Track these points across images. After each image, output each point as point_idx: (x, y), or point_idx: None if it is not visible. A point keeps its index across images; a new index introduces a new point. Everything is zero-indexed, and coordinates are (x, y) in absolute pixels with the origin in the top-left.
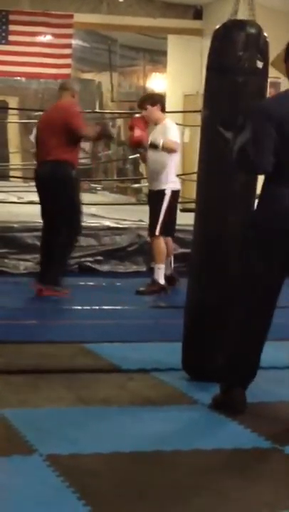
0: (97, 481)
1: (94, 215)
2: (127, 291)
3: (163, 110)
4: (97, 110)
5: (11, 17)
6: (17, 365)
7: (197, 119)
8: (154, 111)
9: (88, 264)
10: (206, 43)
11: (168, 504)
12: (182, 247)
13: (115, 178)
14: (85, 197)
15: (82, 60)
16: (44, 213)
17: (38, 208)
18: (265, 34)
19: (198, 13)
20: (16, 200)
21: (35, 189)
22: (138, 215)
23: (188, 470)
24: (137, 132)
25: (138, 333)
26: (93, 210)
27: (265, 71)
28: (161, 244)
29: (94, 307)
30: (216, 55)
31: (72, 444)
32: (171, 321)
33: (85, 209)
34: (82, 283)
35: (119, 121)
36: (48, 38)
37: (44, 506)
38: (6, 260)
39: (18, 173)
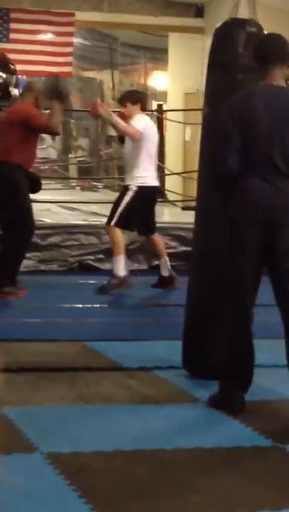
0: (97, 479)
1: (95, 214)
2: (128, 289)
3: (143, 109)
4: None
5: (12, 15)
6: (18, 363)
7: (198, 117)
8: (134, 109)
9: (89, 262)
10: (207, 41)
11: (168, 502)
12: (183, 245)
13: (116, 176)
14: (86, 195)
15: (84, 58)
16: None
17: (37, 206)
18: (265, 32)
19: (199, 11)
20: None
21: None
22: None
23: (188, 468)
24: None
25: (139, 331)
26: (94, 208)
27: None
28: (118, 234)
29: (95, 305)
30: (217, 53)
31: (73, 442)
32: (171, 319)
33: (86, 207)
34: (83, 281)
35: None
36: (49, 36)
37: (45, 504)
38: None
39: None
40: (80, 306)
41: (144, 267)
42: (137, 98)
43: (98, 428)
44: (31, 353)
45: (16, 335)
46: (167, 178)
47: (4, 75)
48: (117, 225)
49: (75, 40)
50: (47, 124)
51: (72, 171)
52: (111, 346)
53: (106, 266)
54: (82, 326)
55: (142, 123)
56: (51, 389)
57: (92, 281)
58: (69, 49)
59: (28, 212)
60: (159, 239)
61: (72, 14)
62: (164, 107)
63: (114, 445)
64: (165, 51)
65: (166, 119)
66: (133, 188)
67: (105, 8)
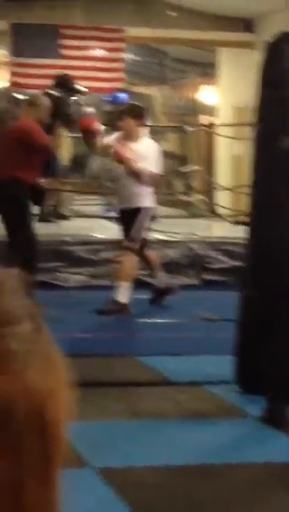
0: (149, 494)
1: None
2: (178, 304)
3: (142, 124)
4: (148, 123)
5: (63, 31)
6: (70, 378)
7: (248, 131)
8: (134, 125)
9: (140, 277)
10: (257, 56)
11: None
12: (234, 260)
13: (166, 191)
14: None
15: (134, 74)
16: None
17: (90, 222)
18: None
19: (248, 26)
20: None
21: (88, 203)
22: (189, 229)
23: (238, 483)
24: (120, 150)
25: (190, 346)
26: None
27: None
28: (133, 262)
29: (146, 320)
30: (268, 68)
31: (125, 457)
32: (222, 334)
33: None
34: (135, 296)
35: (170, 135)
36: (99, 52)
37: None
38: (57, 273)
39: (69, 187)
40: (131, 321)
41: (195, 281)
42: (137, 113)
43: (149, 443)
44: (83, 368)
45: (68, 350)
46: (217, 193)
47: (59, 94)
48: (135, 250)
49: (126, 55)
50: (47, 144)
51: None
52: (162, 361)
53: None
54: (134, 341)
55: (154, 153)
56: (102, 404)
57: (144, 297)
58: (120, 65)
59: (32, 236)
60: (155, 256)
61: (123, 30)
62: (214, 122)
63: (165, 460)
64: (215, 66)
65: (216, 134)
66: (147, 209)
67: (155, 24)
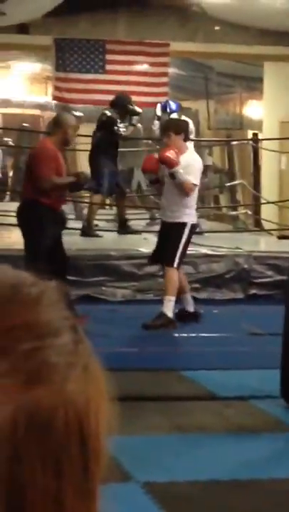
0: (192, 508)
1: (191, 243)
2: (224, 318)
3: (186, 139)
4: (194, 138)
5: (108, 46)
6: (114, 392)
7: None
8: (177, 140)
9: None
10: None
11: None
12: (279, 274)
13: (212, 205)
14: None
15: (179, 88)
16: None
17: (135, 236)
18: None
19: None
20: (111, 228)
21: (134, 217)
22: (235, 243)
23: (285, 498)
24: (171, 154)
25: (235, 361)
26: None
27: None
28: (176, 276)
29: (191, 334)
30: None
31: (169, 472)
32: (268, 348)
33: None
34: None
35: (216, 149)
36: (144, 67)
37: None
38: (103, 288)
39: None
40: (176, 335)
41: (241, 295)
42: (180, 128)
43: (194, 457)
44: (127, 383)
45: (112, 364)
46: (263, 207)
47: (110, 113)
48: (178, 265)
49: (171, 70)
50: (44, 179)
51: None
52: (207, 375)
53: (202, 295)
54: (178, 355)
55: (197, 175)
56: (147, 418)
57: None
58: (164, 79)
59: (39, 254)
60: (184, 276)
61: (168, 45)
62: (260, 136)
63: (209, 475)
64: (260, 80)
65: (262, 148)
66: (188, 225)
67: (200, 38)
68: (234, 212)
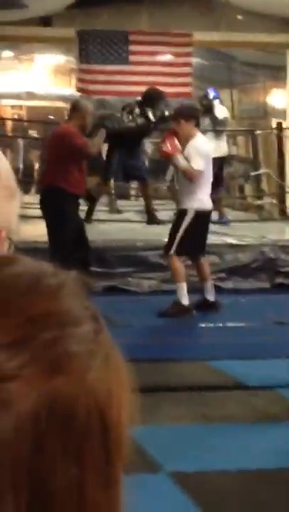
0: (223, 498)
1: (215, 233)
2: (250, 308)
3: (197, 125)
4: (222, 128)
5: (131, 37)
6: (141, 383)
7: None
8: (187, 126)
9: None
10: None
11: None
12: None
13: (237, 195)
14: None
15: (202, 78)
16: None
17: (161, 227)
18: None
19: None
20: (140, 219)
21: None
22: (260, 232)
23: None
24: (166, 147)
25: (261, 350)
26: (214, 227)
27: None
28: (176, 263)
29: (218, 324)
30: None
31: (197, 462)
32: None
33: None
34: None
35: (240, 139)
36: (167, 57)
37: None
38: (130, 279)
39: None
40: (202, 325)
41: (267, 285)
42: (190, 114)
43: (222, 447)
44: (154, 373)
45: (138, 355)
46: (288, 196)
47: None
48: (176, 253)
49: (194, 60)
50: (83, 145)
51: None
52: (234, 365)
53: (228, 285)
54: (205, 346)
55: (201, 162)
56: (174, 408)
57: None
58: (188, 69)
59: (65, 245)
60: (206, 262)
61: (190, 34)
62: (284, 125)
63: (238, 464)
64: (284, 68)
65: (286, 137)
66: (191, 212)
67: (223, 28)
68: (259, 202)
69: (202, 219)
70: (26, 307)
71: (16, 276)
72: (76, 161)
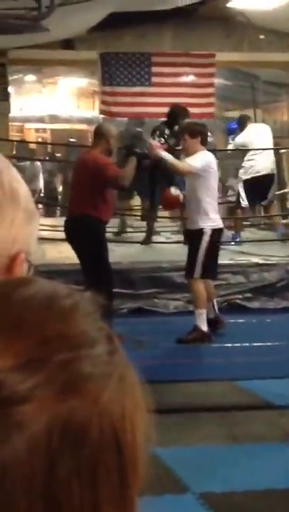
0: None
1: (242, 252)
2: (277, 327)
3: (203, 143)
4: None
5: (154, 59)
6: (169, 404)
7: None
8: (192, 142)
9: (237, 301)
10: None
11: None
12: None
13: (262, 214)
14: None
15: (226, 98)
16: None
17: (185, 247)
18: None
19: None
20: (164, 240)
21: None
22: (286, 251)
23: None
24: (151, 148)
25: (288, 369)
26: (241, 247)
27: None
28: (200, 287)
29: (244, 344)
30: None
31: (226, 482)
32: None
33: (233, 247)
34: (232, 320)
35: None
36: (190, 78)
37: None
38: (156, 300)
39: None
40: (229, 345)
41: None
42: (196, 131)
43: (250, 467)
44: (182, 394)
45: (166, 376)
46: None
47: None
48: (199, 275)
49: (217, 80)
50: (117, 178)
51: (223, 212)
52: (262, 385)
53: (254, 305)
54: (232, 365)
55: (203, 160)
56: (202, 429)
57: (241, 321)
58: (210, 90)
59: (109, 272)
60: (211, 283)
61: (213, 55)
62: None
63: (266, 484)
64: None
65: None
66: (208, 231)
67: (245, 48)
68: (285, 221)
69: (217, 238)
70: (40, 328)
71: (30, 298)
72: (108, 190)
